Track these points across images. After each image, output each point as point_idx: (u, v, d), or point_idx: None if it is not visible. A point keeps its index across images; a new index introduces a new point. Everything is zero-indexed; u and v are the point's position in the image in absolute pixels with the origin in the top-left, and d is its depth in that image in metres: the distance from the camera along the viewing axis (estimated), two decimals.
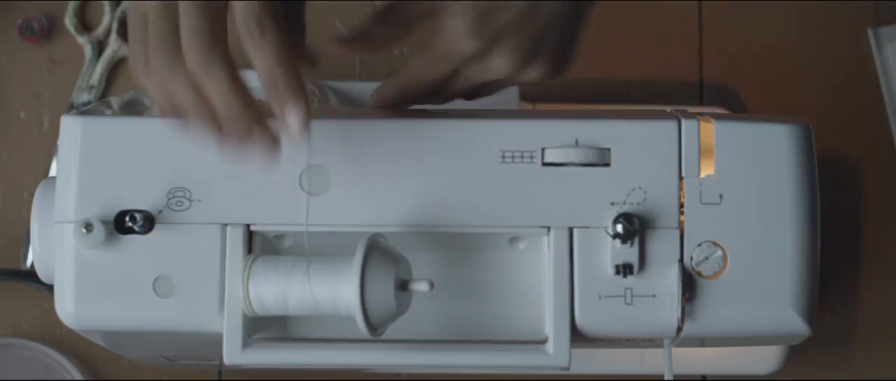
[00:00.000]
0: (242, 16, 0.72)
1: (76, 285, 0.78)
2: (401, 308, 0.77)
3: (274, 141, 0.73)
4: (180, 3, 0.72)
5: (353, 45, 0.80)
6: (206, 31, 0.72)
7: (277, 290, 0.77)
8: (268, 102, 0.73)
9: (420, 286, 0.77)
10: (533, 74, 0.78)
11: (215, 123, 0.73)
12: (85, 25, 1.12)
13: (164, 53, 0.72)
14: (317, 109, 0.90)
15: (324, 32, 1.11)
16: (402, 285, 0.77)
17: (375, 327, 0.76)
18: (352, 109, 1.03)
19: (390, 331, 0.78)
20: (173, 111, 0.74)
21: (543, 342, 0.79)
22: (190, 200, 0.79)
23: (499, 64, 0.77)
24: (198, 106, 0.73)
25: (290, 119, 0.72)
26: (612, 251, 0.78)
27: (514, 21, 0.75)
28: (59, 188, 0.79)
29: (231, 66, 0.72)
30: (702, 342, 0.82)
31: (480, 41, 0.75)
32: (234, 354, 0.78)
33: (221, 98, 0.72)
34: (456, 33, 0.76)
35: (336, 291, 0.76)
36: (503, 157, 0.79)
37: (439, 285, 0.79)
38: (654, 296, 0.78)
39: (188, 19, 0.72)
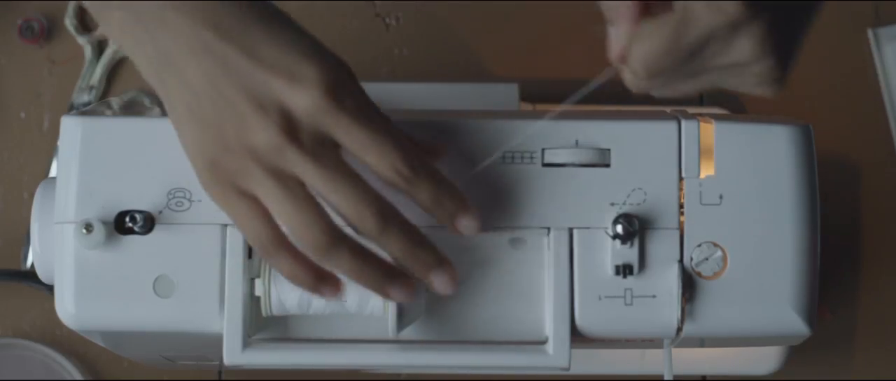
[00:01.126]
0: (393, 175, 0.73)
1: (76, 285, 0.78)
2: (424, 309, 0.79)
3: (452, 267, 0.76)
4: (326, 180, 0.72)
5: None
6: (371, 195, 0.72)
7: (302, 292, 0.77)
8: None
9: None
10: (766, 66, 0.75)
11: (391, 275, 0.75)
12: (85, 26, 1.12)
13: (323, 235, 0.72)
14: None
15: (324, 32, 1.11)
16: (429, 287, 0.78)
17: (403, 327, 0.77)
18: None
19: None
20: (330, 283, 0.75)
21: (543, 342, 0.79)
22: (190, 200, 0.79)
23: (743, 44, 0.73)
24: (372, 271, 0.74)
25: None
26: (612, 252, 0.78)
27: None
28: (60, 189, 0.79)
29: (403, 218, 0.74)
30: (702, 342, 0.81)
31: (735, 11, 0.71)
32: (234, 354, 0.78)
33: (403, 252, 0.74)
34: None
35: (365, 292, 0.77)
36: (503, 157, 0.79)
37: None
38: (653, 296, 0.78)
39: (345, 193, 0.72)
